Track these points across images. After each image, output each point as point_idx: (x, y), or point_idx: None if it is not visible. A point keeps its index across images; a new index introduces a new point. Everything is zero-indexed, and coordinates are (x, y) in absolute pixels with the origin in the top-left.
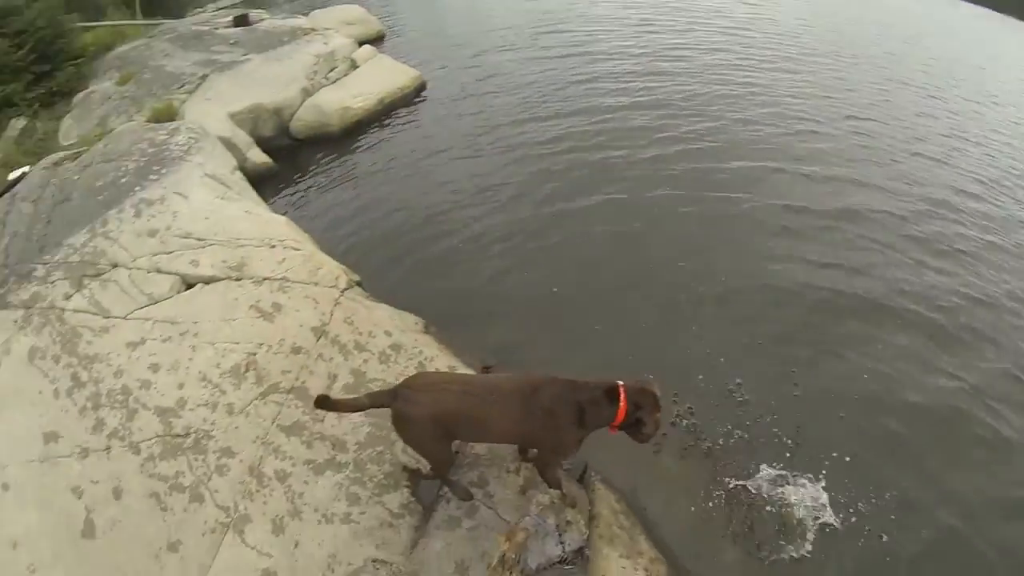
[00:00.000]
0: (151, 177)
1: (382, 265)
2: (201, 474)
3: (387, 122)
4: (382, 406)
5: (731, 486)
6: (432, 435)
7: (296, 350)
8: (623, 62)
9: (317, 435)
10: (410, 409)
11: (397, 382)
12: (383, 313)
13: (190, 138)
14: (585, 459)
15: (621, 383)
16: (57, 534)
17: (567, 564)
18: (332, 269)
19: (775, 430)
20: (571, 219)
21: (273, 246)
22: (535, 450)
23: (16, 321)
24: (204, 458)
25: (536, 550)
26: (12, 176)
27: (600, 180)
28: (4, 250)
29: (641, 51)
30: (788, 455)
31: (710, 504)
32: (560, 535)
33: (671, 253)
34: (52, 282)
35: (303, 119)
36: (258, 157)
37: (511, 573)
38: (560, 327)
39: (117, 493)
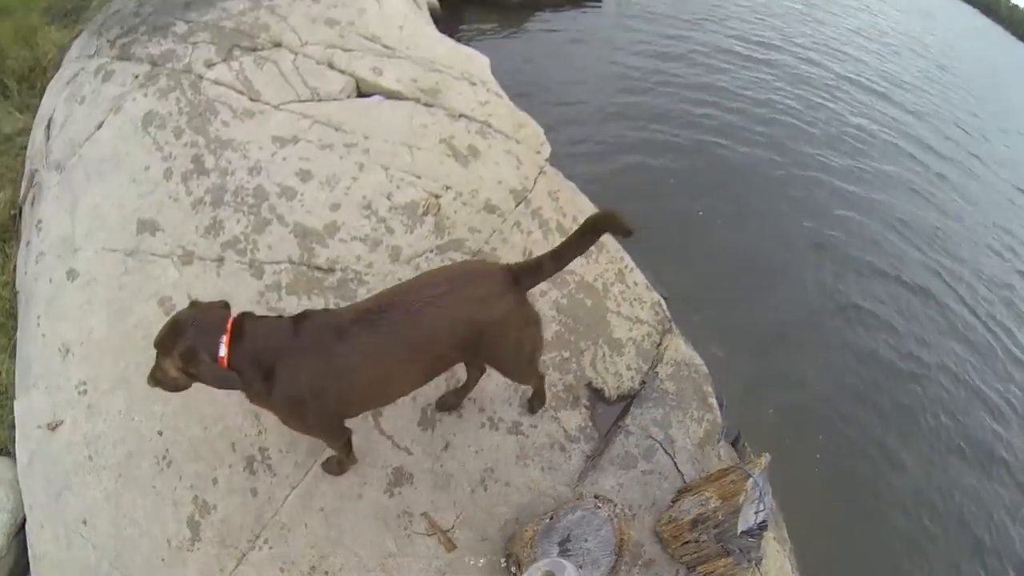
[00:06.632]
0: None
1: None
2: None
3: (571, 11)
4: None
5: None
6: None
7: (490, 208)
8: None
9: None
10: None
11: (594, 283)
12: (585, 201)
13: None
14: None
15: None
16: (125, 352)
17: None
18: (536, 132)
19: None
20: None
21: (474, 84)
22: None
23: (137, 76)
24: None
25: (745, 515)
26: None
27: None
28: None
29: None
30: None
31: None
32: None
33: None
34: (194, 43)
35: None
36: None
37: (703, 534)
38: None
39: None
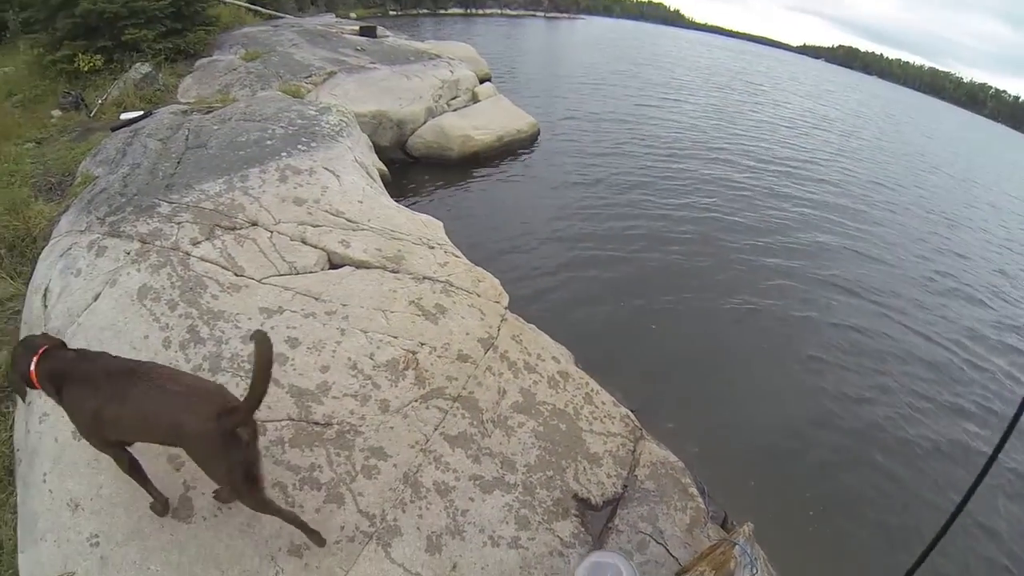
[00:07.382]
0: (299, 147)
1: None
2: (343, 472)
3: (503, 160)
4: None
5: None
6: None
7: (463, 358)
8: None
9: (486, 450)
10: None
11: (565, 408)
12: (547, 339)
13: (341, 120)
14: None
15: None
16: (137, 506)
17: None
18: (494, 284)
19: None
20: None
21: (432, 247)
22: None
23: (129, 253)
24: (349, 455)
25: None
26: (125, 116)
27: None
28: (123, 178)
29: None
30: None
31: None
32: (755, 570)
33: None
34: (179, 223)
35: (424, 137)
36: (377, 163)
37: None
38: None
39: None
